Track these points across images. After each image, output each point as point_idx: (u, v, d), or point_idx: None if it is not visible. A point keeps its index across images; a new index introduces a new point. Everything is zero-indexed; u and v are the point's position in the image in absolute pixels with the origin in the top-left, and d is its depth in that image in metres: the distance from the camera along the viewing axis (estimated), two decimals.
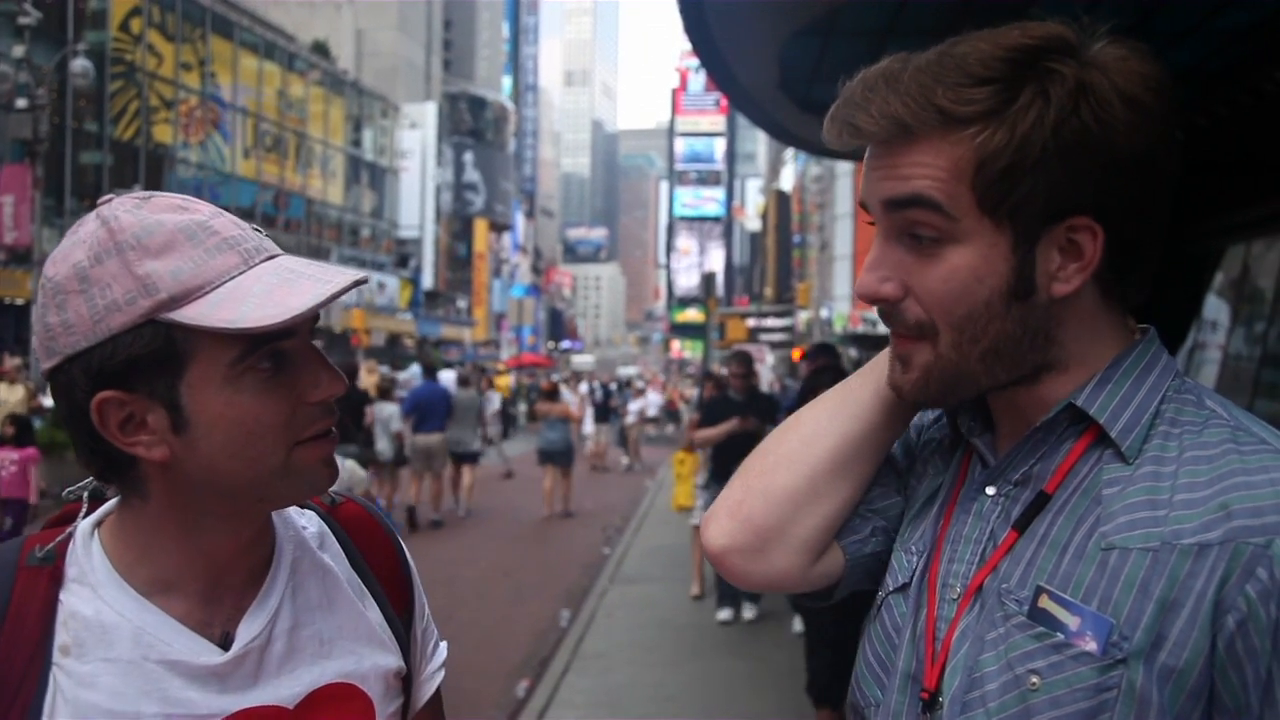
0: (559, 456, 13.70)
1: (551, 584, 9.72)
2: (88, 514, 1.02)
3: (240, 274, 0.94)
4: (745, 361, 8.51)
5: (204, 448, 0.94)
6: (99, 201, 0.97)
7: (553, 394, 15.01)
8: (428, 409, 12.38)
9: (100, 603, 0.96)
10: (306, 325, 0.99)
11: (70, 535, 1.01)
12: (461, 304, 66.95)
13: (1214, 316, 9.39)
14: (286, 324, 0.90)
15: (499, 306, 76.76)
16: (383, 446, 11.73)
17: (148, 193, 0.98)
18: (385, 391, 12.58)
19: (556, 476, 13.82)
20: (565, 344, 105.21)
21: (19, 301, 24.75)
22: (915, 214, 0.94)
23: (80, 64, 19.83)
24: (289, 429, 0.97)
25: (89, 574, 0.98)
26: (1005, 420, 1.04)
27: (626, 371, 55.72)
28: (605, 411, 20.82)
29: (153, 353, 0.92)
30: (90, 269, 0.92)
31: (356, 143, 50.52)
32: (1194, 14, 6.49)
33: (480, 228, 69.83)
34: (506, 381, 31.19)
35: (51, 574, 0.97)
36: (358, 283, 0.95)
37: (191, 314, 0.91)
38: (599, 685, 6.47)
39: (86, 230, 0.95)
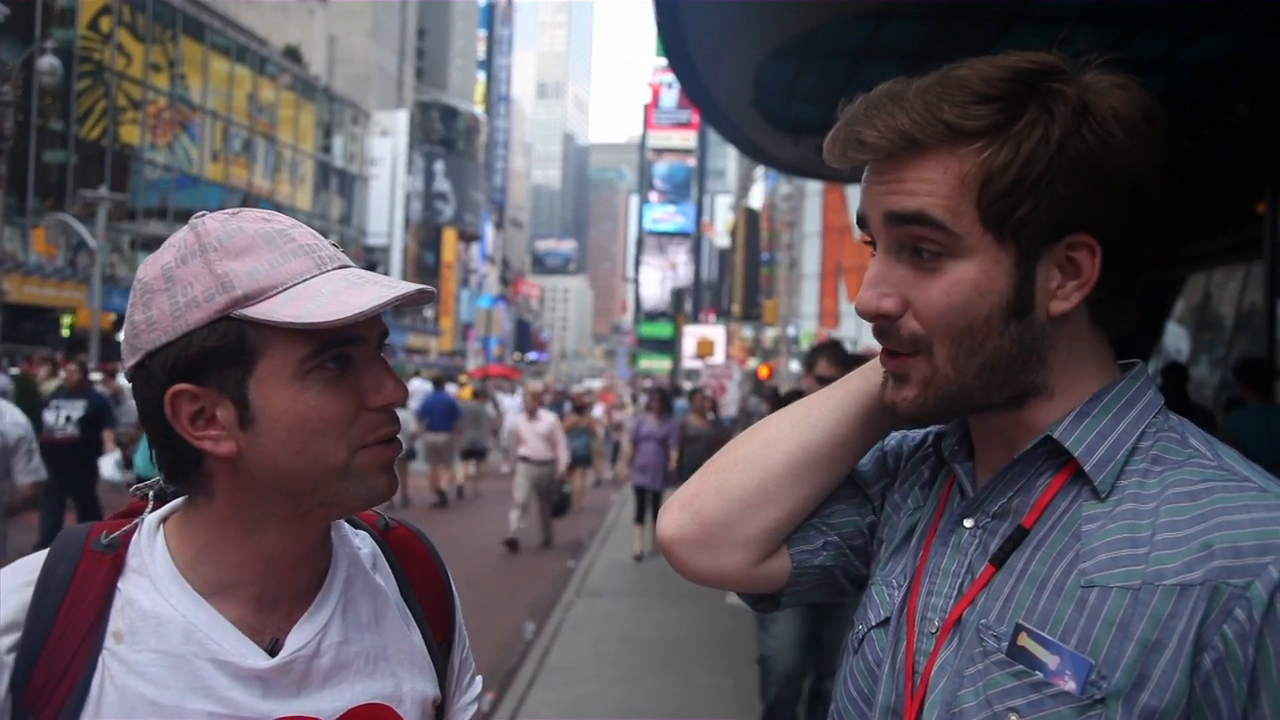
0: (582, 461, 16.42)
1: (517, 596, 9.67)
2: (153, 510, 1.05)
3: (312, 277, 0.98)
4: (843, 359, 4.75)
5: (268, 443, 0.97)
6: (195, 216, 1.03)
7: (582, 409, 18.09)
8: (434, 414, 15.51)
9: (157, 595, 0.98)
10: (375, 334, 1.02)
11: (136, 526, 1.03)
12: (428, 313, 66.63)
13: (1175, 343, 9.57)
14: (349, 320, 0.94)
15: (466, 316, 76.51)
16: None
17: (239, 209, 1.03)
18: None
19: (581, 474, 16.48)
20: (532, 355, 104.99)
21: None
22: (918, 230, 0.95)
23: (48, 61, 19.59)
24: (351, 431, 0.99)
25: (149, 566, 1.00)
26: (986, 446, 1.05)
27: (593, 384, 55.72)
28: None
29: (225, 347, 0.96)
30: (176, 269, 0.97)
31: (326, 149, 50.26)
32: (1161, 46, 6.64)
33: (449, 237, 69.63)
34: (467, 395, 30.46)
35: (114, 561, 1.00)
36: (424, 291, 0.99)
37: (262, 310, 0.95)
38: (565, 698, 6.44)
39: (178, 237, 1.00)
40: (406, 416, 15.27)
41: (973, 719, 0.92)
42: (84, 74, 31.31)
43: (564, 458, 12.41)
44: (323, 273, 0.99)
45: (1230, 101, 7.13)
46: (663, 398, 12.75)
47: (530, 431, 12.31)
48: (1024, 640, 0.91)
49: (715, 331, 46.80)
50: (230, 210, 1.02)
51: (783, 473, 1.11)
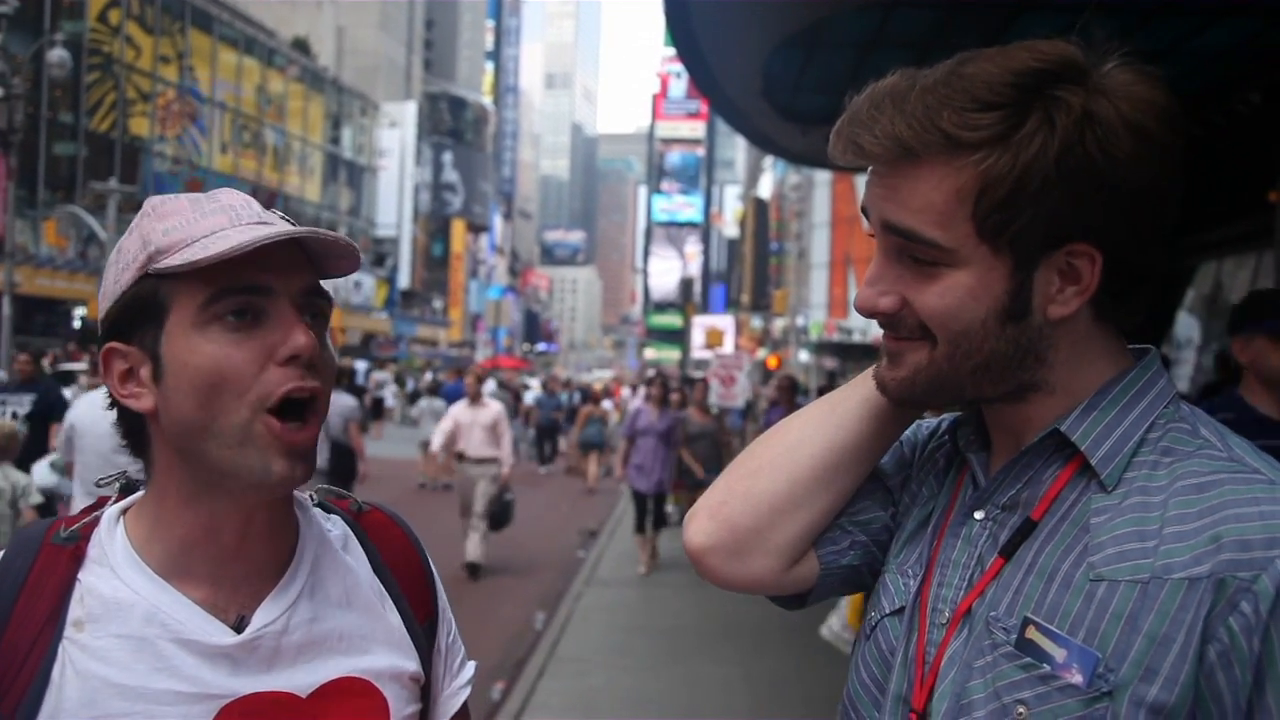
0: (596, 446, 18.25)
1: (526, 586, 9.70)
2: (116, 503, 1.07)
3: (224, 230, 0.98)
4: None
5: (173, 396, 0.98)
6: None
7: (597, 400, 19.78)
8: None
9: (118, 581, 0.99)
10: (292, 288, 1.00)
11: (97, 519, 1.05)
12: (437, 304, 66.70)
13: (1186, 333, 9.53)
14: (219, 255, 0.94)
15: (475, 307, 76.52)
16: (429, 429, 16.11)
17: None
18: (435, 389, 19.39)
19: (595, 459, 18.15)
20: (541, 346, 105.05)
21: None
22: (910, 243, 0.95)
23: (57, 54, 19.64)
24: (256, 387, 0.97)
25: (109, 554, 1.01)
26: (999, 438, 1.05)
27: (602, 375, 55.80)
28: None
29: (142, 302, 0.99)
30: (124, 242, 1.03)
31: (335, 140, 50.26)
32: (1173, 34, 6.60)
33: (458, 228, 69.61)
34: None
35: (73, 553, 1.01)
36: (315, 231, 0.99)
37: (167, 261, 0.97)
38: (574, 688, 6.47)
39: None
40: (440, 405, 16.89)
41: (981, 710, 0.92)
42: (93, 66, 31.35)
43: (509, 457, 10.08)
44: (235, 226, 0.99)
45: (1242, 90, 7.08)
46: (663, 385, 10.85)
47: (471, 421, 9.93)
48: (1032, 633, 0.91)
49: (724, 321, 46.70)
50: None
51: (811, 476, 1.10)
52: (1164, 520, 0.90)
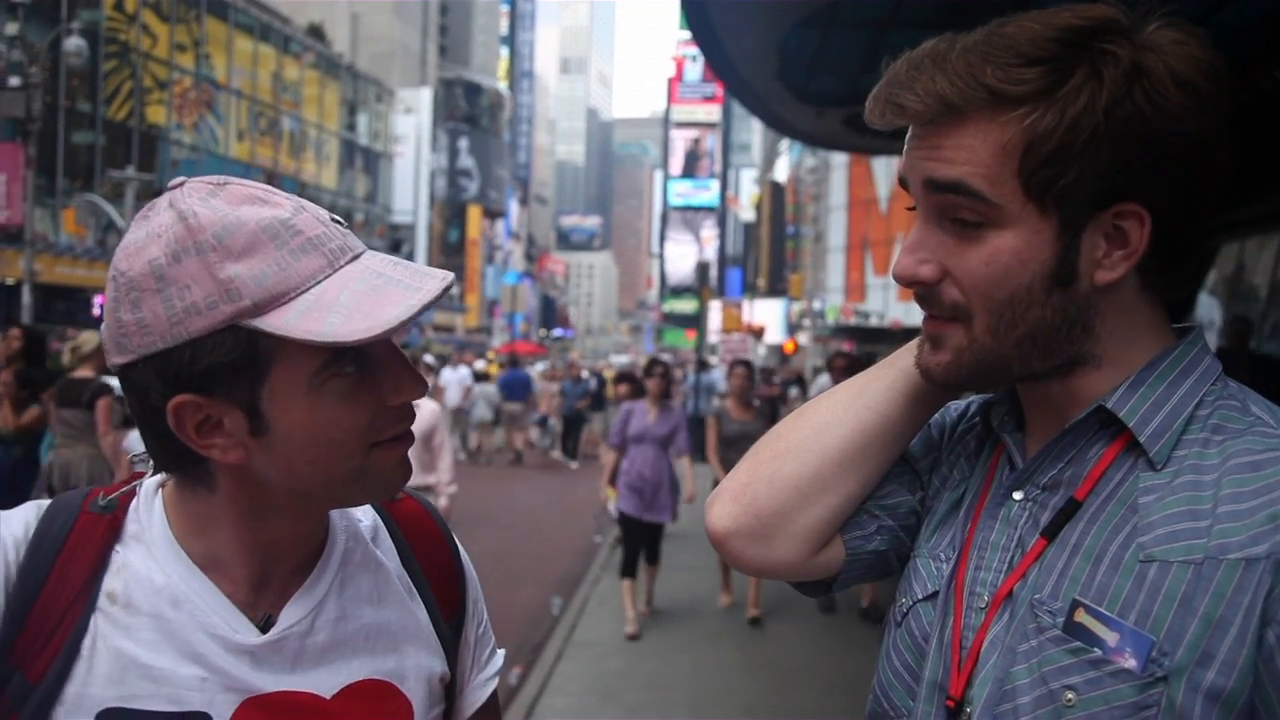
0: None
1: (544, 571, 9.73)
2: (150, 476, 1.03)
3: (326, 278, 0.91)
4: None
5: (284, 452, 0.93)
6: (170, 186, 0.93)
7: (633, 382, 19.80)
8: (513, 388, 19.69)
9: (153, 561, 0.97)
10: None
11: (134, 491, 1.01)
12: (454, 290, 66.77)
13: (1207, 314, 9.42)
14: (377, 337, 0.88)
15: (492, 293, 76.65)
16: (483, 411, 19.29)
17: (219, 178, 0.93)
18: (484, 376, 21.17)
19: None
20: (558, 331, 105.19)
21: (9, 281, 24.63)
22: (956, 199, 0.92)
23: (74, 43, 19.70)
24: (368, 433, 0.95)
25: (146, 532, 0.99)
26: (1037, 416, 1.02)
27: (619, 360, 55.93)
28: (601, 400, 20.90)
29: (234, 360, 0.89)
30: (168, 268, 0.88)
31: (351, 127, 50.32)
32: (1196, 8, 6.49)
33: (474, 214, 69.69)
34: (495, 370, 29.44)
35: (110, 523, 0.98)
36: (448, 289, 0.93)
37: (276, 323, 0.87)
38: (591, 673, 6.48)
39: (161, 223, 0.90)
40: (491, 390, 19.17)
41: (1026, 696, 0.89)
42: (110, 55, 31.45)
43: (449, 481, 6.34)
44: (336, 270, 0.91)
45: (1266, 67, 6.97)
46: (665, 374, 7.99)
47: None
48: (1081, 616, 0.88)
49: (741, 305, 46.61)
50: (211, 183, 0.92)
51: (839, 459, 1.07)
52: (1218, 499, 0.86)
